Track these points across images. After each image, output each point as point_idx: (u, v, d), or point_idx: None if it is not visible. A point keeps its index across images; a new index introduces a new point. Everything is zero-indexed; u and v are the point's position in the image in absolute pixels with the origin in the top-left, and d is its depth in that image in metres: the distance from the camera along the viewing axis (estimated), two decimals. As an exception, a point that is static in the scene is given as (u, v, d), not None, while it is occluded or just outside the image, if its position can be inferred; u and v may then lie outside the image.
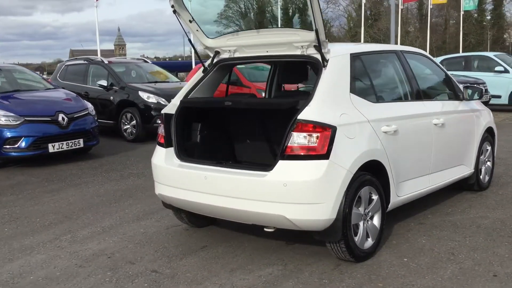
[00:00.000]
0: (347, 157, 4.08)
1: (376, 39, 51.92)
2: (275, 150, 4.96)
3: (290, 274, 4.15)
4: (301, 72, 5.51)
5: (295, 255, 4.53)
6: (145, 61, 14.73)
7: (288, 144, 4.02)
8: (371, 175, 4.33)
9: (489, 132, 6.58)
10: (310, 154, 3.97)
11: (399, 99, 5.21)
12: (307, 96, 4.36)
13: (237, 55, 4.96)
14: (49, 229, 5.53)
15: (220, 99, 4.93)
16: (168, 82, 13.01)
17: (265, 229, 4.34)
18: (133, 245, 4.96)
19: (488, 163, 6.68)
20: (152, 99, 11.52)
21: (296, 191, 3.95)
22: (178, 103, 4.96)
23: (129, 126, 11.76)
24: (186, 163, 4.65)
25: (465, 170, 6.08)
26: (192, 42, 5.12)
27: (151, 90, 11.73)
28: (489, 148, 6.64)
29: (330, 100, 4.18)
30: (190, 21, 4.89)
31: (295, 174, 3.97)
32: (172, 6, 4.73)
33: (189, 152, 4.87)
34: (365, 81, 4.78)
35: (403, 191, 4.84)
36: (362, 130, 4.31)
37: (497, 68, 16.56)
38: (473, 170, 6.23)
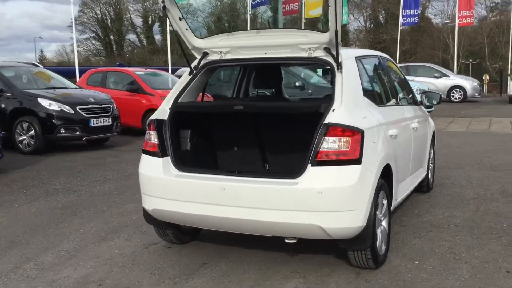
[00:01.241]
0: (373, 162, 3.99)
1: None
2: (286, 157, 4.72)
3: (316, 287, 3.95)
4: (277, 76, 5.35)
5: (306, 266, 4.33)
6: (36, 66, 13.41)
7: (320, 149, 3.82)
8: (383, 179, 4.30)
9: (433, 136, 6.95)
10: (341, 160, 3.81)
11: (389, 103, 5.27)
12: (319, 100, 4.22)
13: (228, 57, 4.63)
14: (0, 257, 4.69)
15: (227, 103, 4.57)
16: (67, 88, 11.94)
17: (287, 241, 4.10)
18: (119, 268, 4.39)
19: (431, 165, 7.05)
20: (55, 106, 10.49)
21: (331, 199, 3.76)
22: (167, 108, 4.51)
23: (25, 137, 10.56)
24: (189, 173, 4.22)
25: (423, 172, 6.34)
26: (183, 42, 4.67)
27: (52, 97, 10.67)
28: (432, 151, 7.02)
29: (351, 103, 4.06)
30: (180, 19, 4.49)
31: (330, 180, 3.78)
32: (163, 2, 4.29)
33: (185, 161, 4.43)
34: (368, 85, 4.75)
35: (398, 194, 4.89)
36: (379, 133, 4.26)
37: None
38: (426, 172, 6.53)
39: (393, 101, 5.33)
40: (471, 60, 39.23)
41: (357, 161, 3.82)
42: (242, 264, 4.42)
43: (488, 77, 31.76)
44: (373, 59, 5.37)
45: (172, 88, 4.79)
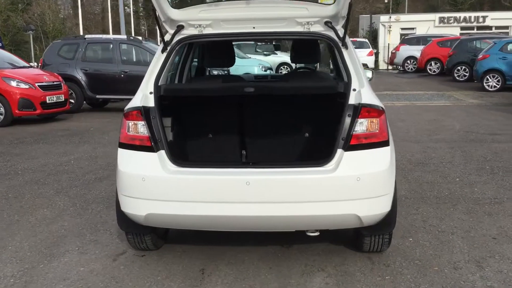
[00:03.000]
0: (392, 142, 3.84)
1: (31, 23, 48.28)
2: (306, 143, 4.27)
3: (345, 280, 3.70)
4: (230, 54, 4.88)
5: (313, 257, 4.04)
6: None
7: (353, 132, 3.53)
8: None
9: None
10: (373, 142, 3.58)
11: None
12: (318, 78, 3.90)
13: (208, 31, 4.04)
14: None
15: (235, 85, 3.94)
16: None
17: (309, 234, 3.75)
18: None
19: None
20: None
21: (369, 185, 3.51)
22: (148, 93, 3.77)
23: None
24: (193, 169, 3.59)
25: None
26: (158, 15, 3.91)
27: None
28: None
29: (366, 81, 3.83)
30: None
31: (367, 165, 3.52)
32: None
33: (182, 155, 3.78)
34: None
35: None
36: None
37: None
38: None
39: None
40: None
41: (387, 142, 3.63)
42: (246, 265, 3.95)
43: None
44: None
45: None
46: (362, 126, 3.56)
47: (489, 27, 39.80)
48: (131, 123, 3.68)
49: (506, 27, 39.52)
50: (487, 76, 17.85)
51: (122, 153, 3.69)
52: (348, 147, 3.52)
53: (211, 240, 4.32)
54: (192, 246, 4.28)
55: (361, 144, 3.54)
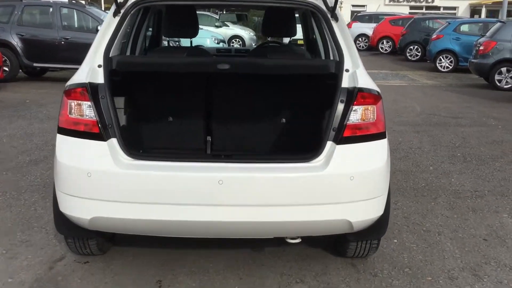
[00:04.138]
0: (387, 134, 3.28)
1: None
2: (289, 133, 3.63)
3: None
4: (193, 22, 4.17)
5: (289, 264, 3.48)
6: None
7: (347, 122, 2.94)
8: None
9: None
10: (368, 134, 3.01)
11: None
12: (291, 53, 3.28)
13: (170, -7, 3.33)
14: None
15: (206, 61, 3.24)
16: None
17: (289, 240, 3.17)
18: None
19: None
20: None
21: (363, 184, 2.94)
22: (97, 66, 3.04)
23: None
24: (152, 162, 2.92)
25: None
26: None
27: None
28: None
29: (360, 61, 3.24)
30: None
31: (362, 161, 2.95)
32: None
33: (139, 145, 3.10)
34: None
35: None
36: None
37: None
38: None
39: None
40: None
41: (383, 134, 3.07)
42: (211, 275, 3.34)
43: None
44: None
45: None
46: (356, 114, 2.98)
47: (438, 7, 40.29)
48: (74, 103, 2.94)
49: (454, 8, 40.12)
50: (440, 57, 17.72)
51: (63, 141, 2.96)
52: (340, 140, 2.93)
53: (167, 242, 3.66)
54: (145, 250, 3.62)
55: (355, 136, 2.96)
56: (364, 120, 2.99)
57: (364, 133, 2.98)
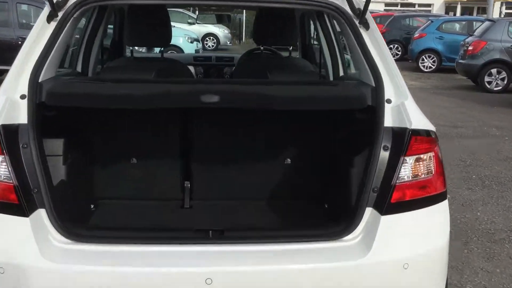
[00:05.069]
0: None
1: None
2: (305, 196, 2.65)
3: None
4: (164, 26, 3.16)
5: None
6: None
7: (396, 181, 1.98)
8: None
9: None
10: (425, 197, 2.06)
11: None
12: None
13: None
14: None
15: (182, 90, 2.22)
16: None
17: None
18: None
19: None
20: None
21: (422, 274, 2.00)
22: (18, 97, 2.02)
23: None
24: (106, 247, 1.91)
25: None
26: None
27: None
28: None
29: (405, 88, 2.27)
30: None
31: (419, 239, 2.00)
32: None
33: (78, 216, 2.08)
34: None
35: None
36: None
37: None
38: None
39: None
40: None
41: (443, 195, 2.12)
42: None
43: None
44: None
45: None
46: (409, 168, 2.02)
47: (413, 5, 39.85)
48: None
49: (429, 5, 39.76)
50: (423, 56, 16.97)
51: None
52: (387, 207, 1.97)
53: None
54: None
55: (408, 201, 2.01)
56: (419, 175, 2.04)
57: (420, 195, 2.04)
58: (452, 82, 14.29)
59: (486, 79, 12.79)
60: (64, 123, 2.33)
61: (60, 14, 2.19)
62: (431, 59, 16.96)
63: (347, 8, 2.29)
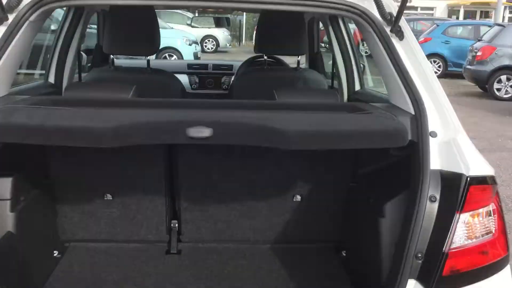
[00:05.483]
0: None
1: None
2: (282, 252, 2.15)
3: None
4: (151, 32, 2.66)
5: None
6: None
7: (448, 247, 1.48)
8: None
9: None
10: (485, 266, 1.55)
11: None
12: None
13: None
14: None
15: (159, 123, 1.70)
16: None
17: None
18: None
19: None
20: None
21: None
22: None
23: None
24: None
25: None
26: None
27: None
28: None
29: (455, 117, 1.77)
30: None
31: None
32: None
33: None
34: None
35: None
36: None
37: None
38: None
39: None
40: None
41: (505, 259, 1.61)
42: None
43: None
44: None
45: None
46: (465, 227, 1.51)
47: (415, 8, 39.40)
48: None
49: (431, 8, 39.33)
50: (429, 61, 16.50)
51: None
52: (438, 282, 1.46)
53: None
54: None
55: (465, 273, 1.51)
56: (477, 237, 1.53)
57: (480, 263, 1.53)
58: (459, 88, 13.80)
59: (495, 86, 12.31)
60: (12, 158, 1.82)
61: (11, 17, 1.69)
62: (437, 64, 16.46)
63: (375, 13, 1.79)
